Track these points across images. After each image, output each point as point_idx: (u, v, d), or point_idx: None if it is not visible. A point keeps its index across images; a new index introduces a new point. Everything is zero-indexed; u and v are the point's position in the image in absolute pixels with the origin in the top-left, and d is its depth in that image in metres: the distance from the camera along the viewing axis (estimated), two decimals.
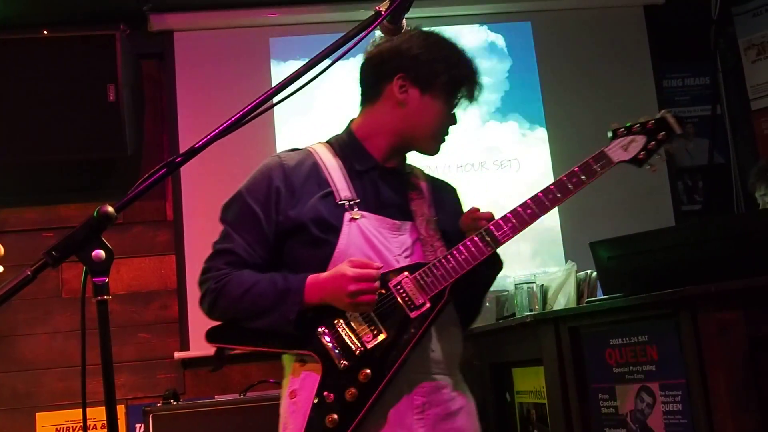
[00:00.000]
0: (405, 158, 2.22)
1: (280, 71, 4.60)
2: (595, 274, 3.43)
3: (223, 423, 3.58)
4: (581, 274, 3.58)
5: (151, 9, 4.53)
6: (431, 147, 2.16)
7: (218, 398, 3.85)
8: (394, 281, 1.99)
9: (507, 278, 4.51)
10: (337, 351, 1.97)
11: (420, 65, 2.07)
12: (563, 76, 4.79)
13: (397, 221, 2.08)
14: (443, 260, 1.98)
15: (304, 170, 2.09)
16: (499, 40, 4.83)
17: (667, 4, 4.93)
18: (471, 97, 2.14)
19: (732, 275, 2.30)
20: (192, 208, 4.46)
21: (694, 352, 2.32)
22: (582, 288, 3.54)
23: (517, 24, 4.88)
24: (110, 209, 1.36)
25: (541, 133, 4.74)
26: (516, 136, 4.73)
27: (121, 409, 4.19)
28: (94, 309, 1.39)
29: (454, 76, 2.10)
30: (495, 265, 2.15)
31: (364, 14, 1.90)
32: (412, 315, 1.98)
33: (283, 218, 2.03)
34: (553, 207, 2.03)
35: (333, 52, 1.68)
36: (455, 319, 2.13)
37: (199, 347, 4.31)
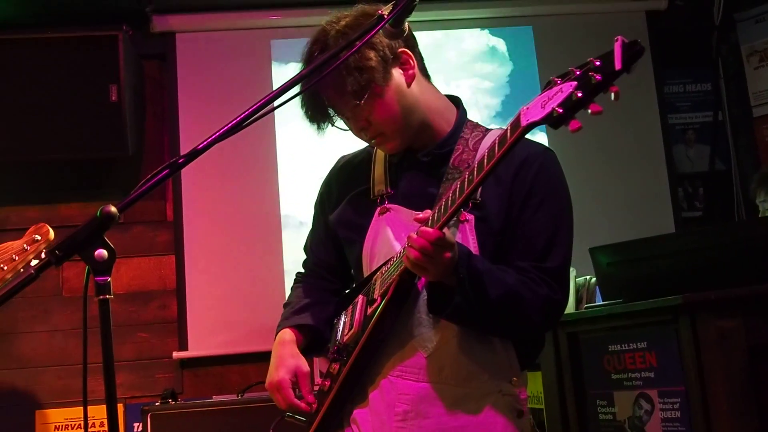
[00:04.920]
0: (434, 141, 1.97)
1: (281, 73, 4.60)
2: (594, 279, 3.43)
3: (221, 423, 3.59)
4: (580, 279, 3.58)
5: (154, 10, 4.54)
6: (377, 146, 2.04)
7: (216, 398, 3.85)
8: (376, 275, 1.92)
9: None
10: (329, 344, 2.03)
11: None
12: None
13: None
14: (400, 253, 1.81)
15: (349, 168, 2.12)
16: (501, 44, 4.83)
17: (669, 9, 4.93)
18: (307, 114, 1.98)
19: (732, 282, 2.30)
20: (192, 209, 4.46)
21: (693, 360, 2.32)
22: (581, 294, 3.54)
23: (518, 28, 4.88)
24: (113, 209, 1.36)
25: (542, 138, 4.72)
26: None
27: (119, 408, 4.17)
28: (93, 308, 1.39)
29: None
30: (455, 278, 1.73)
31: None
32: (368, 311, 1.89)
33: (329, 220, 2.10)
34: (471, 187, 1.62)
35: (336, 55, 1.68)
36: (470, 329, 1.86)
37: (198, 347, 4.32)
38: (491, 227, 1.84)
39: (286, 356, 1.98)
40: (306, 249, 2.23)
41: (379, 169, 2.03)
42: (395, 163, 2.01)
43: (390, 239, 1.92)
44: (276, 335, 2.07)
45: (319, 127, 1.97)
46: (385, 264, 1.90)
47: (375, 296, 1.87)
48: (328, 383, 1.97)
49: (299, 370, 1.96)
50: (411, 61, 1.95)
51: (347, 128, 1.98)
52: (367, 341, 1.86)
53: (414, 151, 1.98)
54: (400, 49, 1.93)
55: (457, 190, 1.67)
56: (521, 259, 1.86)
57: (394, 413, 1.86)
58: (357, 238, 1.99)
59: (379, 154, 2.06)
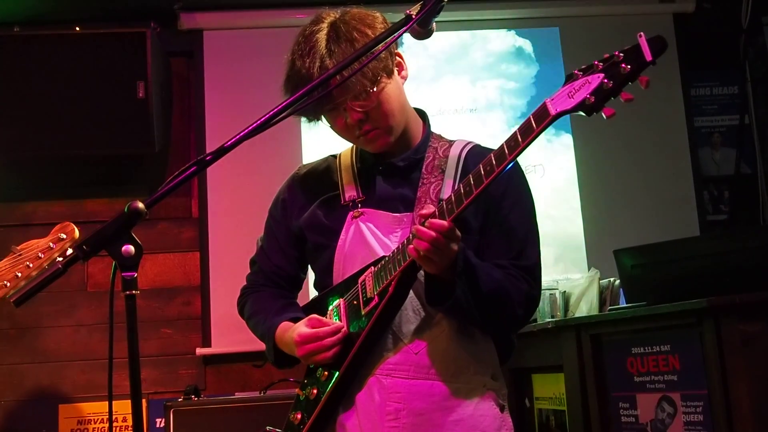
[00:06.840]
0: (408, 148, 2.01)
1: None
2: (618, 281, 3.42)
3: (243, 420, 3.60)
4: (604, 281, 3.57)
5: (182, 8, 4.58)
6: (363, 148, 2.03)
7: (238, 395, 3.87)
8: (362, 277, 1.88)
9: None
10: None
11: None
12: None
13: (398, 214, 1.94)
14: (395, 251, 1.81)
15: (314, 176, 2.10)
16: (527, 45, 4.82)
17: (697, 12, 4.90)
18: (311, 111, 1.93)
19: (757, 286, 2.29)
20: (217, 206, 4.49)
21: (716, 363, 2.31)
22: (605, 295, 3.53)
23: (545, 30, 4.87)
24: (140, 205, 1.38)
25: (567, 139, 4.73)
26: (541, 141, 4.70)
27: (142, 404, 4.22)
28: (117, 303, 1.40)
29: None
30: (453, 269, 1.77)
31: (392, 17, 1.91)
32: (364, 311, 1.85)
33: (293, 226, 2.07)
34: (488, 181, 1.66)
35: (363, 54, 1.69)
36: (457, 321, 1.88)
37: (221, 344, 4.34)
38: (469, 226, 1.87)
39: (295, 329, 1.92)
40: (257, 258, 2.17)
41: (346, 176, 2.04)
42: (365, 169, 2.03)
43: (369, 242, 1.92)
44: (269, 340, 2.00)
45: (309, 120, 1.98)
46: (373, 264, 1.87)
47: (371, 295, 1.84)
48: (315, 391, 1.92)
49: (308, 323, 1.90)
50: (404, 64, 2.01)
51: (330, 125, 1.97)
52: (364, 340, 1.85)
53: (386, 157, 2.00)
54: (396, 51, 1.99)
55: (472, 182, 1.67)
56: (499, 256, 1.91)
57: (386, 412, 1.85)
58: (328, 243, 1.97)
59: (344, 162, 2.07)
